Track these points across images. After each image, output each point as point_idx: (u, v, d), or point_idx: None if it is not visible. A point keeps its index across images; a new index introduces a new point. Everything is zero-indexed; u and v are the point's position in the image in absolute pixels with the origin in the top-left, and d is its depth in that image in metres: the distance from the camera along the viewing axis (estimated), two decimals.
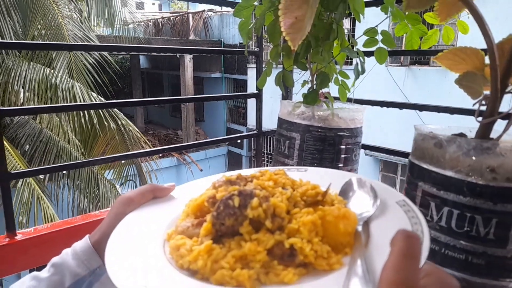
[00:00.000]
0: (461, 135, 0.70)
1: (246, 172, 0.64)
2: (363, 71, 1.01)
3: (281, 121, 1.06)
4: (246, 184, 0.55)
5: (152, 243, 0.52)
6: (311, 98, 1.02)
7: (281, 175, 0.58)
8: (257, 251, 0.45)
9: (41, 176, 5.01)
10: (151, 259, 0.48)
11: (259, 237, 0.47)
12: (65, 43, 4.98)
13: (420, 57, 7.20)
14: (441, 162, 0.63)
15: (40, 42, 4.81)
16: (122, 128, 5.70)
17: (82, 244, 0.58)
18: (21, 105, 5.23)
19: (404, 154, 1.11)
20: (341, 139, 0.98)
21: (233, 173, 0.61)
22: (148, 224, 0.57)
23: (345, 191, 0.59)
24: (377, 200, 0.53)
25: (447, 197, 0.61)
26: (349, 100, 1.11)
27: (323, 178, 0.62)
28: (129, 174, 6.13)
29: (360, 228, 0.49)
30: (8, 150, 4.57)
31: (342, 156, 0.99)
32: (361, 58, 1.01)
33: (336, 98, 1.09)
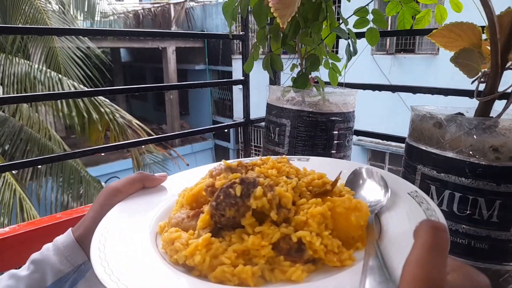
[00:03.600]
0: (460, 114, 0.68)
1: (246, 160, 0.59)
2: (355, 52, 0.97)
3: (270, 107, 1.02)
4: (247, 173, 0.51)
5: (142, 236, 0.47)
6: (301, 82, 0.97)
7: (285, 163, 0.54)
8: (261, 246, 0.41)
9: (24, 174, 4.84)
10: (141, 254, 0.43)
11: (264, 230, 0.42)
12: (48, 27, 4.78)
13: (406, 45, 7.24)
14: (441, 143, 0.60)
15: (23, 26, 4.60)
16: (112, 117, 5.48)
17: (65, 238, 0.52)
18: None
19: (399, 139, 1.08)
20: (333, 124, 0.94)
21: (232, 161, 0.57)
22: (137, 216, 0.52)
23: (352, 182, 0.55)
24: (388, 190, 0.50)
25: (448, 179, 0.59)
26: (340, 84, 1.07)
27: (327, 167, 0.58)
28: (118, 170, 5.99)
29: (371, 220, 0.46)
30: None
31: (335, 142, 0.96)
32: (352, 38, 0.97)
33: (326, 83, 1.05)
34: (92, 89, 1.14)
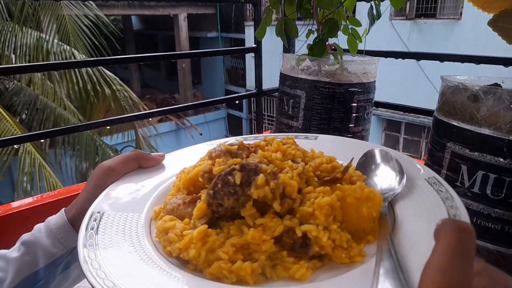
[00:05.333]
0: (496, 86, 0.61)
1: (248, 139, 0.55)
2: (379, 15, 0.88)
3: (283, 77, 0.95)
4: (249, 156, 0.46)
5: (135, 223, 0.44)
6: (317, 49, 0.90)
7: (290, 145, 0.49)
8: (262, 240, 0.37)
9: (42, 143, 4.94)
10: (132, 243, 0.40)
11: (265, 222, 0.38)
12: None
13: (427, 9, 6.82)
14: (475, 119, 0.54)
15: None
16: (118, 94, 5.52)
17: (57, 219, 0.50)
18: None
19: (424, 111, 1.00)
20: (352, 96, 0.87)
21: (233, 141, 0.52)
22: (130, 199, 0.48)
23: (364, 165, 0.50)
24: (404, 176, 0.45)
25: (482, 159, 0.54)
26: (360, 52, 0.98)
27: (337, 147, 0.53)
28: (132, 139, 6.05)
29: (384, 211, 0.41)
30: (5, 119, 4.47)
31: (353, 115, 0.89)
32: (376, 0, 0.88)
33: (345, 50, 0.96)
34: (106, 57, 1.09)
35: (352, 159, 0.46)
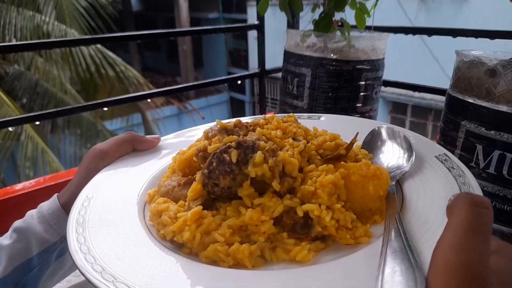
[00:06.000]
0: None
1: (247, 119, 0.52)
2: None
3: (288, 54, 0.91)
4: (247, 134, 0.43)
5: (128, 206, 0.42)
6: (323, 24, 0.86)
7: (291, 123, 0.46)
8: (260, 220, 0.35)
9: (44, 128, 4.94)
10: (125, 228, 0.38)
11: (264, 202, 0.36)
12: None
13: None
14: (492, 95, 0.51)
15: None
16: (122, 76, 5.46)
17: (50, 205, 0.48)
18: (13, 56, 5.00)
19: (437, 90, 0.95)
20: (360, 74, 0.84)
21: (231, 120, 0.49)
22: (124, 183, 0.46)
23: (370, 143, 0.47)
24: (413, 153, 0.42)
25: (499, 138, 0.51)
26: (368, 28, 0.94)
27: (341, 126, 0.50)
28: (134, 123, 6.01)
29: (392, 189, 0.38)
30: (7, 104, 4.46)
31: (361, 94, 0.86)
32: None
33: (352, 26, 0.92)
34: (105, 35, 1.06)
35: (357, 134, 0.43)
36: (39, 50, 4.97)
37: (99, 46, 5.29)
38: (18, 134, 4.53)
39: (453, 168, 0.39)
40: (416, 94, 5.88)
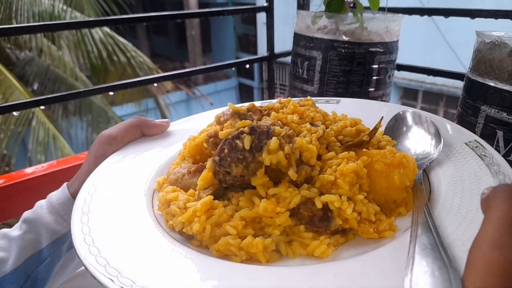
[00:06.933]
0: None
1: (261, 103, 0.49)
2: None
3: (298, 37, 0.87)
4: (261, 119, 0.40)
5: (136, 195, 0.40)
6: (335, 6, 0.82)
7: (309, 107, 0.43)
8: (276, 212, 0.32)
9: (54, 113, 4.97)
10: (132, 218, 0.36)
11: (279, 192, 0.33)
12: None
13: None
14: None
15: None
16: (133, 61, 5.44)
17: (60, 195, 0.47)
18: (26, 42, 5.01)
19: (454, 75, 0.91)
20: (373, 57, 0.80)
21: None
22: (132, 170, 0.44)
23: (394, 129, 0.44)
24: (440, 140, 0.39)
25: None
26: (381, 9, 0.89)
27: (362, 111, 0.47)
28: (148, 108, 6.00)
29: (419, 179, 0.35)
30: (18, 89, 4.48)
31: (374, 78, 0.82)
32: None
33: (365, 8, 0.87)
34: (113, 17, 1.03)
35: (381, 119, 0.40)
36: (46, 33, 4.96)
37: (109, 31, 5.26)
38: (30, 120, 4.57)
39: (485, 156, 0.36)
40: (427, 80, 5.75)
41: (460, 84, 0.65)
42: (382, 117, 0.40)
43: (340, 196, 0.32)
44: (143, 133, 0.51)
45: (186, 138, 0.47)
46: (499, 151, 0.51)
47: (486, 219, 0.24)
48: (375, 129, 0.38)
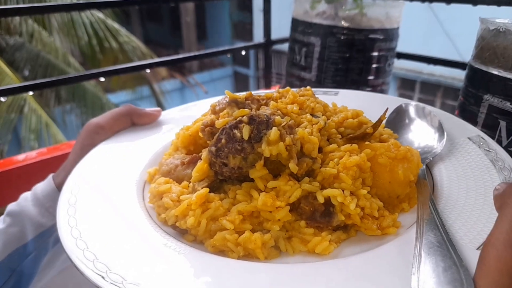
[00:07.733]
0: None
1: (259, 92, 0.47)
2: None
3: (295, 23, 0.85)
4: (259, 108, 0.38)
5: (125, 186, 0.38)
6: None
7: (309, 97, 0.41)
8: (275, 206, 0.31)
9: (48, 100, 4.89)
10: (121, 210, 0.34)
11: (279, 185, 0.32)
12: None
13: None
14: None
15: None
16: (126, 47, 5.33)
17: (44, 186, 0.45)
18: (16, 27, 4.89)
19: (456, 64, 0.89)
20: (373, 44, 0.78)
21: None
22: (122, 159, 0.42)
23: (395, 122, 0.43)
24: (444, 134, 0.38)
25: None
26: None
27: (361, 103, 0.45)
28: (143, 96, 5.91)
29: (423, 174, 0.34)
30: (8, 76, 4.39)
31: (374, 66, 0.80)
32: None
33: None
34: (91, 1, 1.00)
35: (386, 110, 0.38)
36: (36, 16, 4.84)
37: (101, 16, 5.14)
38: (21, 107, 4.49)
39: (489, 151, 0.35)
40: (425, 70, 5.73)
41: (458, 75, 0.63)
42: (387, 108, 0.39)
43: (343, 191, 0.31)
44: (133, 122, 0.49)
45: (179, 128, 0.45)
46: (501, 142, 0.50)
47: (502, 216, 0.22)
48: (380, 121, 0.36)
